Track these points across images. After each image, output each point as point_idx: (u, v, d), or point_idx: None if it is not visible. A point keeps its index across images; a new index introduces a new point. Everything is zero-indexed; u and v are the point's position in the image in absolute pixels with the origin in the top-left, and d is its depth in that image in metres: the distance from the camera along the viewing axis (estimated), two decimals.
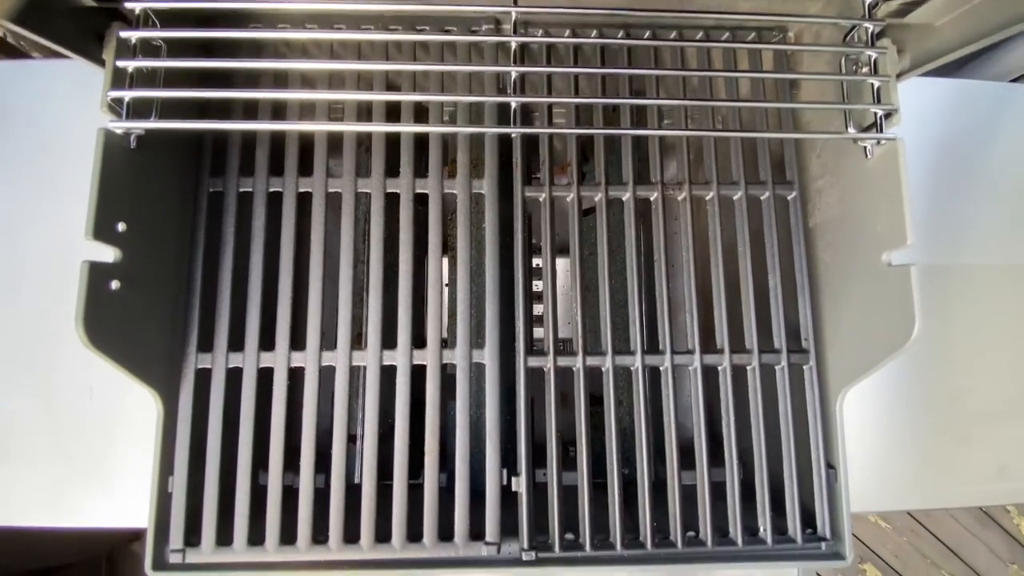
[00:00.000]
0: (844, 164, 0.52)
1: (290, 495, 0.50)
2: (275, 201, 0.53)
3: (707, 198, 0.55)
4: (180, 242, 0.51)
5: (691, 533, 0.51)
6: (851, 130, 0.49)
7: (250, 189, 0.53)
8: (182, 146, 0.52)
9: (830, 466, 0.52)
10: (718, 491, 0.51)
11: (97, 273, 0.42)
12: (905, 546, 1.58)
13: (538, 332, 0.57)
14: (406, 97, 0.53)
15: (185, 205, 0.52)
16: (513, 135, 0.52)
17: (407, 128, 0.52)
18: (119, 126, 0.41)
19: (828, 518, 0.51)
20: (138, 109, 0.43)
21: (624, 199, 0.54)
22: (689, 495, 0.51)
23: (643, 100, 0.56)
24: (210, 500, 0.49)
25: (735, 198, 0.55)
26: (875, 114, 0.46)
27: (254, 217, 0.52)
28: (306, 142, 0.54)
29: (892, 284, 0.45)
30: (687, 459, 0.52)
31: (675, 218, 0.55)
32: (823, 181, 0.54)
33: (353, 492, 0.50)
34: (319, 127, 0.53)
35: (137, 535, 1.40)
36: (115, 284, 0.43)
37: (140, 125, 0.42)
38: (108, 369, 0.45)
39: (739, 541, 0.50)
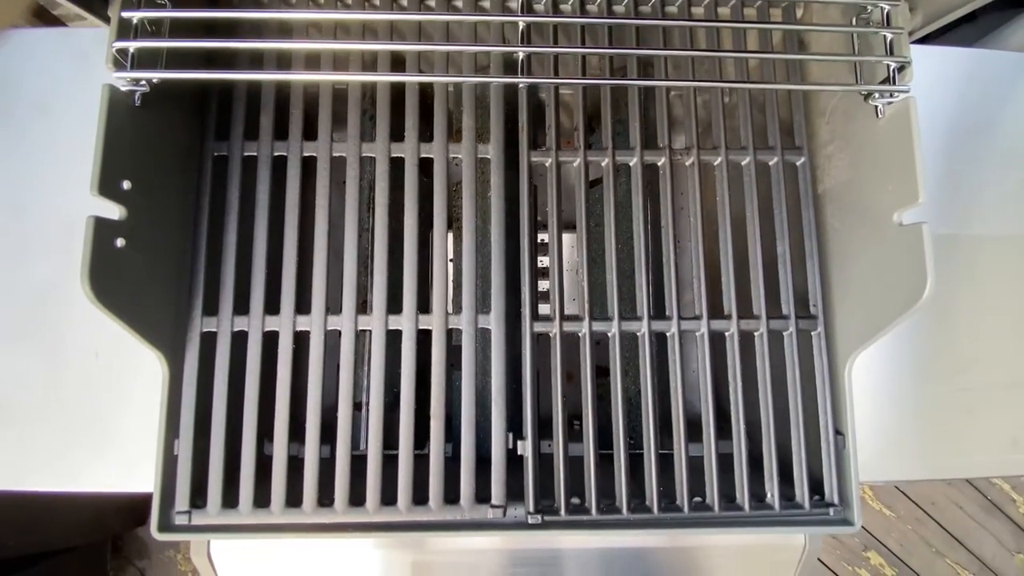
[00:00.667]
0: (854, 127, 0.51)
1: (296, 460, 0.50)
2: (280, 165, 0.53)
3: (715, 163, 0.54)
4: (185, 206, 0.51)
5: (698, 499, 0.50)
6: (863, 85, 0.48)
7: (254, 153, 0.52)
8: (187, 109, 0.52)
9: (838, 432, 0.51)
10: (725, 460, 0.51)
11: (103, 229, 0.41)
12: (910, 534, 1.57)
13: (544, 309, 0.57)
14: (411, 47, 0.53)
15: (190, 169, 0.52)
16: (520, 85, 0.52)
17: (412, 78, 0.51)
18: (125, 75, 0.41)
19: (836, 484, 0.51)
20: (143, 62, 0.42)
21: (631, 164, 0.54)
22: (696, 464, 0.51)
23: (650, 50, 0.55)
24: (215, 463, 0.49)
25: (743, 163, 0.54)
26: (888, 67, 0.45)
27: (259, 180, 0.52)
28: (310, 107, 0.53)
29: (903, 244, 0.45)
30: (694, 429, 0.51)
31: (681, 193, 0.55)
32: (833, 147, 0.54)
33: (359, 459, 0.50)
34: (324, 77, 0.53)
35: (141, 520, 1.41)
36: (121, 242, 0.43)
37: (145, 75, 0.41)
38: (114, 333, 0.45)
39: (746, 506, 0.50)
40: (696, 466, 0.51)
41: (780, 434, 0.51)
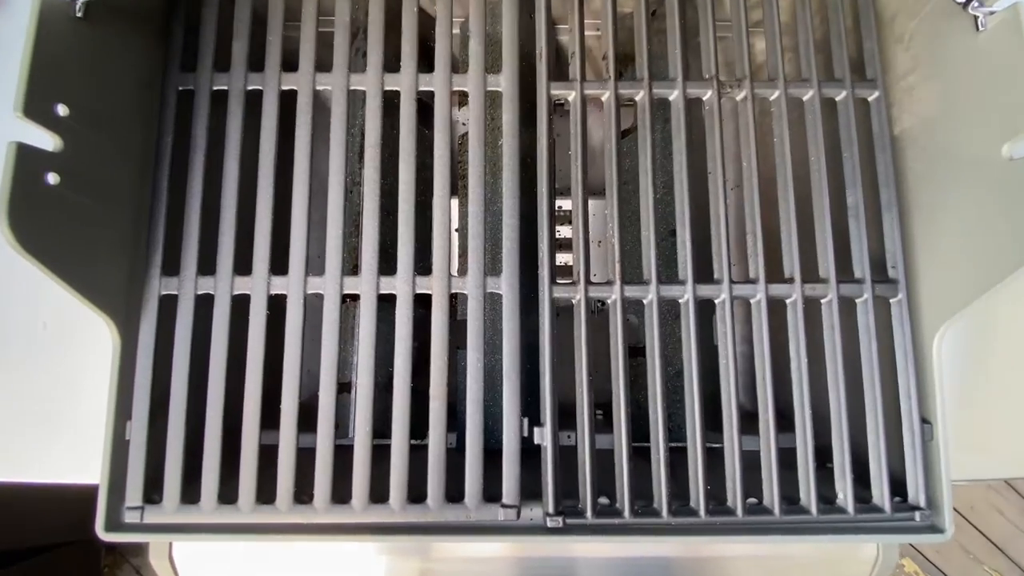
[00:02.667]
0: (942, 50, 0.42)
1: (269, 448, 0.42)
2: (254, 101, 0.45)
3: (772, 98, 0.45)
4: (143, 146, 0.44)
5: (753, 500, 0.42)
6: None
7: (225, 87, 0.44)
8: (147, 34, 0.44)
9: (925, 421, 0.42)
10: (786, 454, 0.42)
11: (28, 159, 0.34)
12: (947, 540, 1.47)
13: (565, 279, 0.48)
14: None
15: (150, 103, 0.44)
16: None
17: None
18: None
19: (923, 483, 0.42)
20: None
21: (671, 99, 0.45)
22: (751, 459, 0.42)
23: None
24: (174, 450, 0.41)
25: (806, 99, 0.45)
26: None
27: (229, 118, 0.44)
28: (291, 40, 0.45)
29: (1014, 183, 0.36)
30: (748, 417, 0.43)
31: (731, 135, 0.45)
32: (914, 77, 0.45)
33: (345, 449, 0.41)
34: None
35: None
36: (53, 177, 0.35)
37: None
38: (64, 299, 0.37)
39: (813, 509, 0.41)
40: (750, 461, 0.42)
41: (853, 423, 0.42)
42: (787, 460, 0.42)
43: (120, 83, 0.42)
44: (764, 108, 0.46)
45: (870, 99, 0.46)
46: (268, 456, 0.41)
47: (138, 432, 0.41)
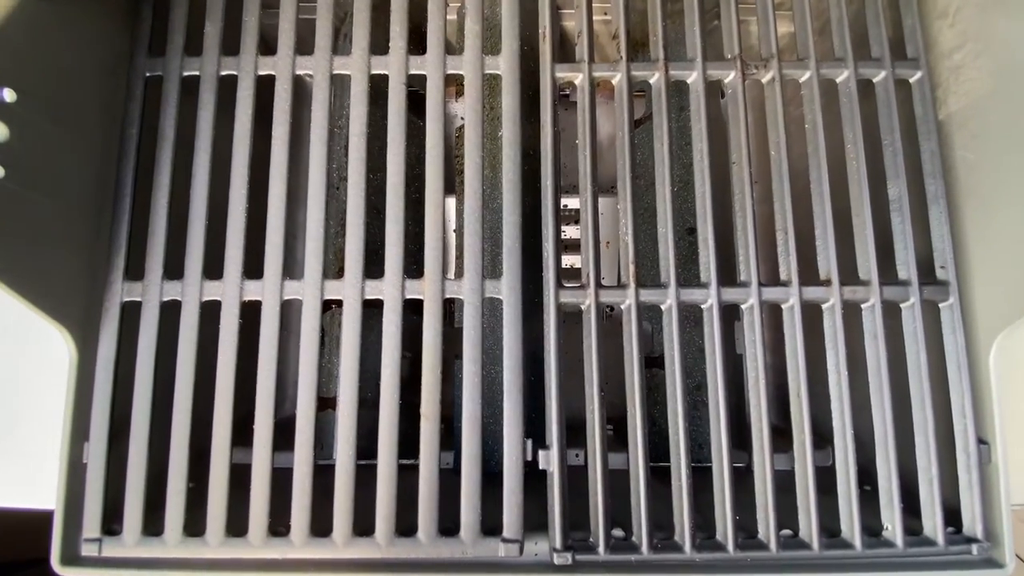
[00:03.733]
0: (994, 24, 0.37)
1: (242, 471, 0.37)
2: (229, 88, 0.40)
3: (802, 80, 0.41)
4: (106, 137, 0.40)
5: (787, 532, 0.37)
6: None
7: (196, 72, 0.40)
8: (111, 16, 0.40)
9: (982, 441, 0.37)
10: (825, 479, 0.37)
11: None
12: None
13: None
14: None
15: (114, 90, 0.40)
16: None
17: None
18: None
19: (979, 512, 0.37)
20: None
21: (690, 81, 0.41)
22: (785, 484, 0.37)
23: None
24: (135, 475, 0.37)
25: (840, 80, 0.41)
26: None
27: (201, 107, 0.40)
28: (269, 25, 0.41)
29: None
30: (779, 437, 0.38)
31: (756, 121, 0.41)
32: (961, 54, 0.40)
33: (325, 471, 0.37)
34: None
35: None
36: None
37: None
38: (16, 308, 0.33)
39: (856, 543, 0.36)
40: (784, 487, 0.37)
41: (900, 444, 0.37)
42: (826, 485, 0.37)
43: (79, 68, 0.38)
44: (793, 91, 0.41)
45: (912, 80, 0.41)
46: (240, 482, 0.37)
47: (96, 455, 0.37)
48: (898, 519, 0.36)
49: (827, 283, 0.38)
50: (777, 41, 0.41)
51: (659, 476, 0.38)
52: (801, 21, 0.41)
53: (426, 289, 0.38)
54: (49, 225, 0.36)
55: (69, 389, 0.37)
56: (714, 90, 0.42)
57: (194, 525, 0.36)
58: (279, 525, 0.36)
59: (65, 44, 0.37)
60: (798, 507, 0.37)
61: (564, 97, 0.59)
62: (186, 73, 0.40)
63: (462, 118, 0.43)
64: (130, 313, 0.38)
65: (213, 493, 0.36)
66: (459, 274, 0.39)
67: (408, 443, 0.38)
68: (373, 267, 0.39)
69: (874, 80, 0.41)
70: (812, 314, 0.38)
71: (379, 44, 0.41)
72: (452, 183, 0.47)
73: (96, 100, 0.39)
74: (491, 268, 0.42)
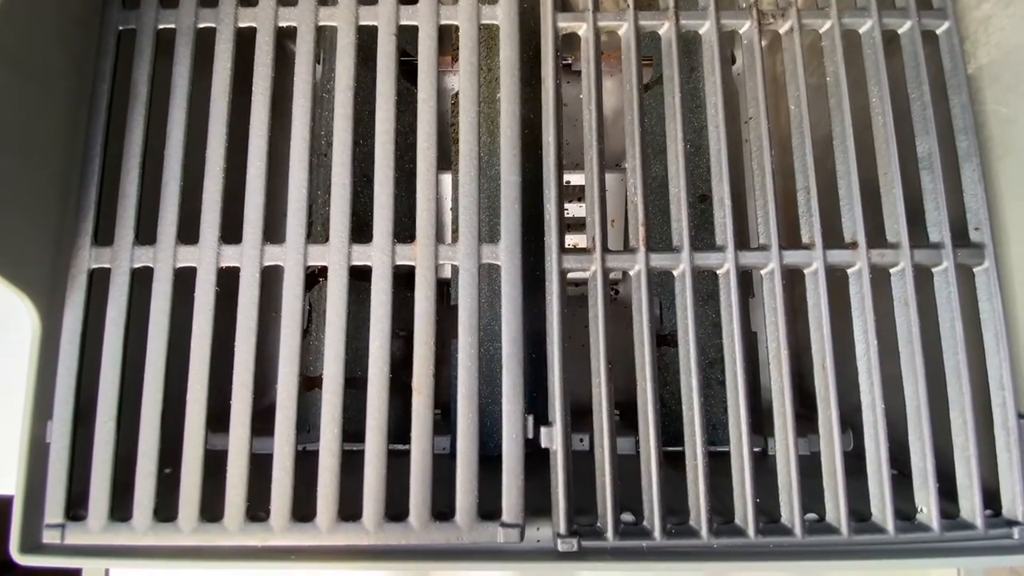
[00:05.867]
0: None
1: (217, 454, 0.34)
2: (207, 41, 0.38)
3: (822, 30, 0.38)
4: (75, 93, 0.37)
5: (813, 516, 0.34)
6: None
7: (172, 25, 0.38)
8: None
9: (1022, 416, 0.34)
10: (852, 460, 0.34)
11: None
12: None
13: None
14: None
15: (84, 44, 0.37)
16: None
17: None
18: None
19: (1020, 493, 0.34)
20: None
21: (702, 32, 0.38)
22: (809, 467, 0.34)
23: None
24: (102, 456, 0.34)
25: (863, 31, 0.38)
26: None
27: (176, 61, 0.37)
28: None
29: None
30: (802, 415, 0.35)
31: (774, 75, 0.38)
32: (991, 3, 0.37)
33: (311, 456, 0.34)
34: None
35: None
36: None
37: None
38: None
39: (889, 527, 0.33)
40: (808, 469, 0.34)
41: (934, 421, 0.34)
42: (854, 467, 0.34)
43: (47, 20, 0.35)
44: (813, 42, 0.38)
45: (939, 31, 0.38)
46: (216, 464, 0.34)
47: (60, 434, 0.34)
48: (934, 501, 0.33)
49: (853, 246, 0.35)
50: None
51: (670, 461, 0.35)
52: None
53: (418, 254, 0.35)
54: (12, 186, 0.33)
55: (32, 363, 0.34)
56: (725, 54, 0.39)
57: (165, 510, 0.33)
58: (259, 511, 0.33)
59: None
60: (824, 490, 0.34)
61: (567, 67, 0.57)
62: (161, 26, 0.38)
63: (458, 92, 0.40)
64: (99, 281, 0.35)
65: (186, 474, 0.33)
66: (454, 238, 0.36)
67: (401, 430, 0.35)
68: (363, 237, 0.36)
69: (899, 31, 0.38)
70: (837, 280, 0.35)
71: None
72: (448, 156, 0.44)
73: (65, 55, 0.36)
74: (489, 235, 0.39)
